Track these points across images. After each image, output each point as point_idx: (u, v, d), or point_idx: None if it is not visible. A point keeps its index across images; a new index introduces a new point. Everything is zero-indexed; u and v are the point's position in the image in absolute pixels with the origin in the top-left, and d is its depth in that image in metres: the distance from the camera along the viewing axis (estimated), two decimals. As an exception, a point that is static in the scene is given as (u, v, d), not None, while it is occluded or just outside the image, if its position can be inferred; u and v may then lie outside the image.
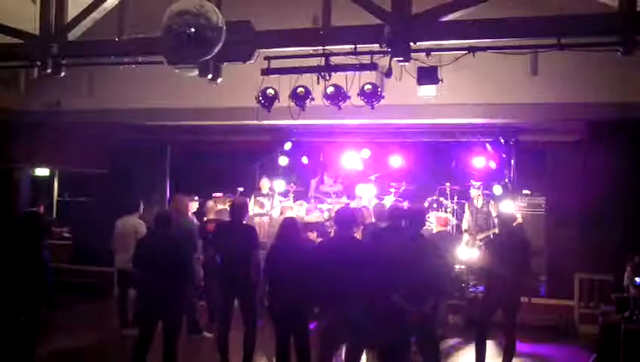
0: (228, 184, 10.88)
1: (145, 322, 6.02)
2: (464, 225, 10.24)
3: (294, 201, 10.40)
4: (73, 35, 6.63)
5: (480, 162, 10.81)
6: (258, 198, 9.94)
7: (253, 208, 9.40)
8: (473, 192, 10.26)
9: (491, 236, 9.05)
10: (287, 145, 11.82)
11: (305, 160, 12.06)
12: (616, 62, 5.90)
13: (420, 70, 6.38)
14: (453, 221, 10.28)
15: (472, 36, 5.66)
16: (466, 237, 9.89)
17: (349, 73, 6.87)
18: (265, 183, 10.84)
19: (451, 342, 7.90)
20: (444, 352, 7.28)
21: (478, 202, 10.12)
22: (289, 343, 5.79)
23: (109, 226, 8.17)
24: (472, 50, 5.84)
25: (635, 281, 6.28)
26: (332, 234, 7.84)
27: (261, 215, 9.53)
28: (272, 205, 10.33)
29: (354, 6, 5.69)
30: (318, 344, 5.56)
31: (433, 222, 9.15)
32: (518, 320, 6.39)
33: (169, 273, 5.80)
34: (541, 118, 9.25)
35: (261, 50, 6.21)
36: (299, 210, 9.53)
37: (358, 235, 6.92)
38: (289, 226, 5.97)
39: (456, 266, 8.92)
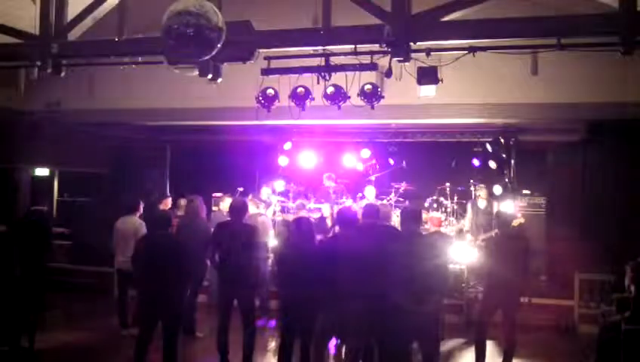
0: (228, 184, 10.88)
1: (145, 322, 6.01)
2: (466, 226, 10.22)
3: (293, 202, 10.36)
4: (73, 35, 6.63)
5: (480, 162, 10.80)
6: (255, 200, 9.89)
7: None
8: (476, 193, 10.24)
9: (493, 236, 9.04)
10: (287, 145, 11.81)
11: (305, 160, 12.03)
12: (617, 62, 5.90)
13: (420, 70, 6.38)
14: (452, 221, 10.26)
15: (472, 36, 5.66)
16: (468, 237, 9.87)
17: (349, 73, 6.88)
18: (265, 190, 10.76)
19: (451, 342, 7.89)
20: (444, 353, 7.28)
21: (481, 203, 10.10)
22: (294, 344, 5.69)
23: (109, 226, 8.17)
24: (472, 50, 5.84)
25: None
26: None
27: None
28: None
29: (354, 6, 5.68)
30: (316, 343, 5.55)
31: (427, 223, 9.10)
32: (518, 320, 6.39)
33: (169, 273, 5.80)
34: (541, 118, 9.26)
35: (261, 50, 6.21)
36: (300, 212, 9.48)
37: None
38: (304, 225, 5.83)
39: (450, 266, 8.87)
